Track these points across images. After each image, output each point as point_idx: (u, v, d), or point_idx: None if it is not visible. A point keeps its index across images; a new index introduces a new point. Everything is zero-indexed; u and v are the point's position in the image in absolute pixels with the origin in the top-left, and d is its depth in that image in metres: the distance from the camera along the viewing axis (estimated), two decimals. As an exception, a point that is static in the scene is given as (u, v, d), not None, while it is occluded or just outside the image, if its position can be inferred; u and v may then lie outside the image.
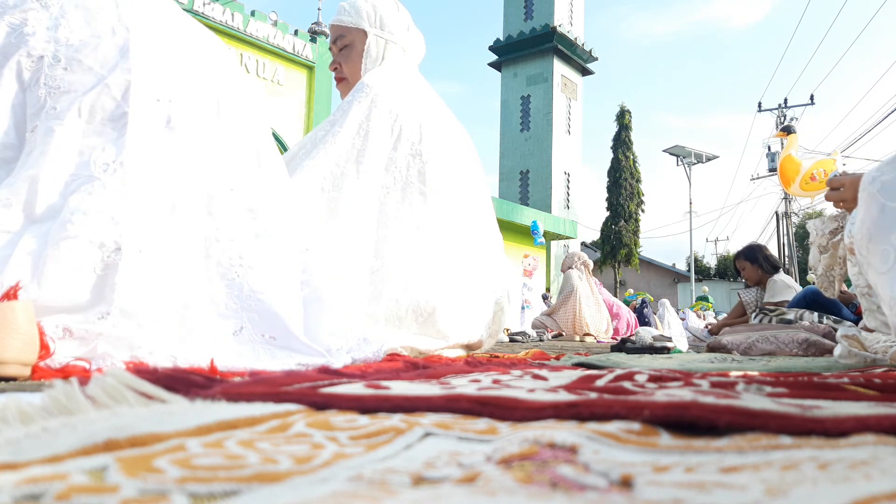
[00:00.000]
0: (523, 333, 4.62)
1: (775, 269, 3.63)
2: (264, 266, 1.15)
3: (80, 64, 1.10)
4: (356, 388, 0.65)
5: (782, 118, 23.71)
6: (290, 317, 1.15)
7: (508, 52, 25.47)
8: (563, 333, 5.67)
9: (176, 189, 1.10)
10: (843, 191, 1.59)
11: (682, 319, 9.36)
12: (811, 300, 3.04)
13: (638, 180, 25.08)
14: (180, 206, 1.09)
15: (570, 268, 5.98)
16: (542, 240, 9.57)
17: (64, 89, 1.08)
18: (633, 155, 24.96)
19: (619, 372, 0.91)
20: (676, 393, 0.63)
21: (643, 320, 7.57)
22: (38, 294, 0.92)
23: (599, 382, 0.79)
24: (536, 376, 0.91)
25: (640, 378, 0.83)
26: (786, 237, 24.39)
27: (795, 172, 4.17)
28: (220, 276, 1.10)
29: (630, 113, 25.15)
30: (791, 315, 2.83)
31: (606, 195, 25.20)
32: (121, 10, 1.20)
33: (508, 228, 16.46)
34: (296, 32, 14.89)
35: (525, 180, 24.52)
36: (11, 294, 0.87)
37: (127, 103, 1.11)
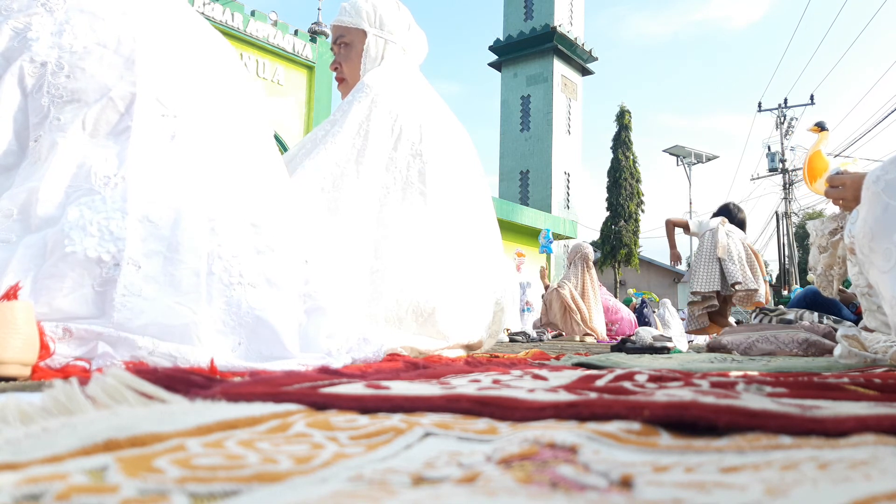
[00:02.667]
0: (523, 333, 4.62)
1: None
2: (264, 283, 1.13)
3: (83, 72, 1.09)
4: (356, 388, 0.65)
5: (782, 118, 23.71)
6: (288, 334, 1.13)
7: (508, 52, 25.50)
8: (564, 334, 5.67)
9: (178, 205, 1.08)
10: (844, 189, 1.60)
11: (683, 319, 9.35)
12: (811, 300, 3.04)
13: (638, 180, 25.06)
14: (182, 223, 1.07)
15: (571, 263, 5.99)
16: (552, 249, 9.58)
17: (67, 98, 1.07)
18: (632, 155, 24.95)
19: (619, 372, 0.91)
20: (676, 393, 0.63)
21: (643, 320, 7.58)
22: (36, 310, 0.91)
23: (599, 382, 0.79)
24: (536, 376, 0.91)
25: (640, 378, 0.83)
26: (786, 237, 24.39)
27: (824, 170, 4.18)
28: (220, 293, 1.07)
29: (630, 113, 25.15)
30: (791, 315, 2.83)
31: (606, 195, 25.19)
32: (128, 17, 1.17)
33: (508, 228, 16.47)
34: (296, 32, 14.89)
35: (525, 180, 24.54)
36: (11, 294, 0.86)
37: (131, 117, 1.09)
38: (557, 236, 19.68)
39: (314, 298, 1.22)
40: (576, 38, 24.91)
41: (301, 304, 1.20)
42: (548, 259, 17.63)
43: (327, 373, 0.87)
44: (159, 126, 1.12)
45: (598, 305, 5.90)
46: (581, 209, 24.99)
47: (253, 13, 13.99)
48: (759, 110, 24.32)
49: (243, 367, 1.01)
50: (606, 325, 6.09)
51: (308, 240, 1.31)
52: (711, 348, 2.45)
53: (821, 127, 4.43)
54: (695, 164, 20.97)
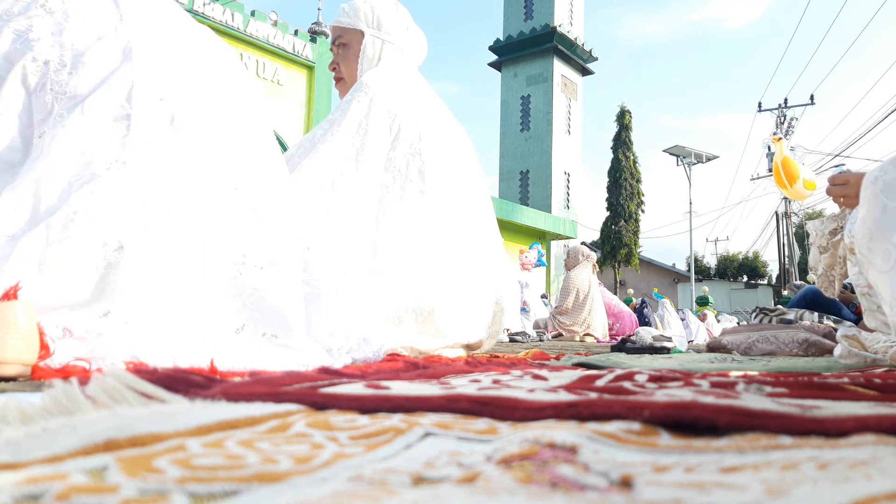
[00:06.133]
0: (523, 333, 4.62)
1: None
2: (266, 265, 1.15)
3: (84, 66, 1.11)
4: (356, 388, 0.65)
5: (782, 118, 23.70)
6: (292, 315, 1.15)
7: (508, 52, 25.49)
8: (564, 334, 5.66)
9: (180, 187, 1.10)
10: (846, 187, 1.60)
11: (682, 319, 9.35)
12: (811, 300, 3.04)
13: (638, 180, 25.08)
14: (184, 205, 1.10)
15: (577, 265, 5.95)
16: (545, 262, 9.58)
17: (70, 94, 1.09)
18: (633, 155, 24.97)
19: (619, 372, 0.91)
20: (676, 393, 0.63)
21: (643, 320, 7.57)
22: (40, 292, 0.92)
23: (599, 382, 0.79)
24: (536, 376, 0.91)
25: (640, 378, 0.83)
26: (786, 237, 24.39)
27: (797, 171, 4.23)
28: (223, 274, 1.10)
29: (630, 113, 25.16)
30: (791, 315, 2.82)
31: (606, 195, 25.21)
32: (121, 9, 1.20)
33: (508, 228, 16.47)
34: (296, 32, 14.89)
35: (525, 180, 24.53)
36: (11, 294, 0.86)
37: (130, 104, 1.11)
38: (557, 236, 19.68)
39: (312, 286, 1.24)
40: (576, 38, 24.91)
41: (301, 289, 1.22)
42: (547, 276, 17.67)
43: (327, 373, 0.87)
44: (159, 110, 1.14)
45: (600, 306, 5.91)
46: (581, 209, 24.99)
47: (253, 13, 13.99)
48: (759, 110, 24.31)
49: (243, 366, 1.02)
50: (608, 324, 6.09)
51: (308, 228, 1.32)
52: (711, 348, 2.45)
53: (778, 136, 4.52)
54: (695, 164, 20.96)
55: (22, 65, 1.08)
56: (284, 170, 1.38)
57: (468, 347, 1.86)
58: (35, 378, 0.85)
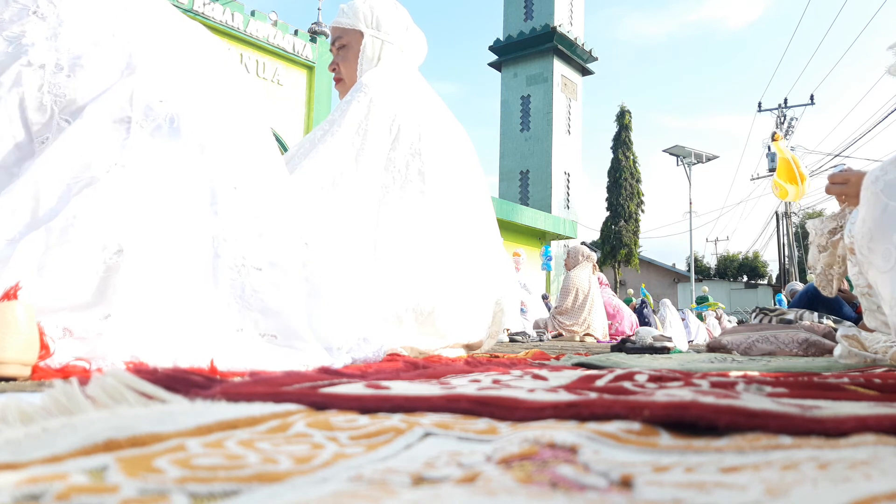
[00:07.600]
0: (523, 333, 4.62)
1: None
2: (267, 265, 1.15)
3: (83, 70, 1.11)
4: (356, 388, 0.65)
5: (782, 118, 23.70)
6: (291, 316, 1.15)
7: (508, 52, 25.51)
8: (563, 334, 5.66)
9: (179, 188, 1.10)
10: (848, 186, 1.60)
11: (682, 319, 9.35)
12: (812, 297, 3.04)
13: (638, 180, 25.10)
14: (184, 206, 1.10)
15: (577, 265, 5.95)
16: (551, 266, 9.63)
17: (70, 98, 1.09)
18: (633, 155, 24.99)
19: (619, 372, 0.91)
20: (676, 393, 0.63)
21: (643, 320, 7.57)
22: (40, 296, 0.92)
23: (599, 382, 0.79)
24: (536, 376, 0.91)
25: (640, 378, 0.83)
26: (786, 237, 24.39)
27: (802, 171, 4.23)
28: (225, 276, 1.10)
29: (630, 113, 25.18)
30: (791, 315, 2.82)
31: (606, 195, 25.22)
32: (120, 12, 1.20)
33: (508, 228, 16.48)
34: (296, 32, 14.90)
35: (525, 180, 24.55)
36: (11, 294, 0.86)
37: (131, 106, 1.11)
38: (557, 236, 19.68)
39: (312, 283, 1.24)
40: (576, 38, 24.92)
41: (301, 286, 1.22)
42: (548, 276, 17.69)
43: (327, 373, 0.87)
44: (159, 112, 1.14)
45: (600, 306, 5.91)
46: (581, 209, 24.99)
47: (253, 13, 13.99)
48: (759, 110, 24.31)
49: (243, 366, 1.02)
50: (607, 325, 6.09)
51: (307, 224, 1.33)
52: (711, 348, 2.45)
53: (780, 134, 4.53)
54: (695, 164, 20.97)
55: (17, 70, 1.08)
56: (284, 170, 1.38)
57: (468, 347, 1.86)
58: (35, 378, 0.85)
